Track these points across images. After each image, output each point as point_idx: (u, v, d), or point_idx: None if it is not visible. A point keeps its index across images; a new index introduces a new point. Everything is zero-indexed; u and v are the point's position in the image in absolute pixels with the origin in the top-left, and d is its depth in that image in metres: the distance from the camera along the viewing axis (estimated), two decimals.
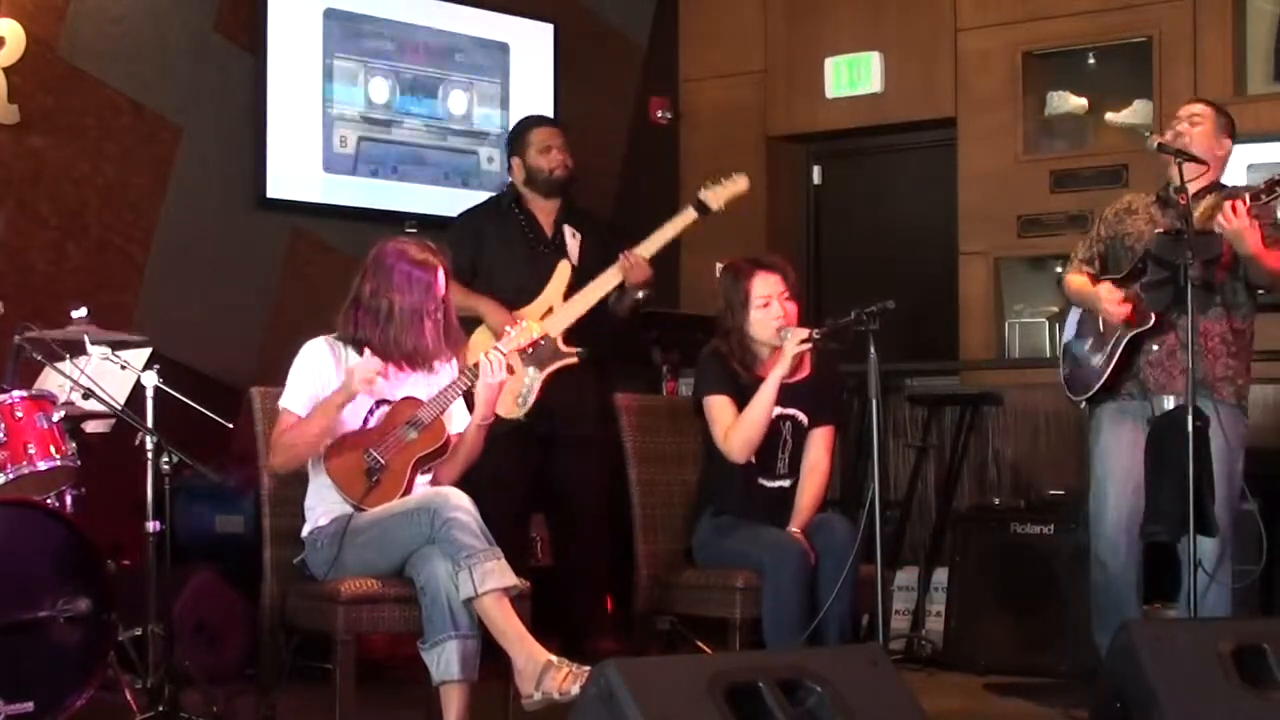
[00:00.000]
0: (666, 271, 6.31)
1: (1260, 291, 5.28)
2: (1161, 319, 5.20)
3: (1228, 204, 5.02)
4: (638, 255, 5.96)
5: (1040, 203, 7.44)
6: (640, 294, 6.05)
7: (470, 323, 5.81)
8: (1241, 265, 5.15)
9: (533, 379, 5.87)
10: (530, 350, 4.98)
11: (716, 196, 6.03)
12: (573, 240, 6.18)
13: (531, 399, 5.89)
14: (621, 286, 5.99)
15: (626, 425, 5.28)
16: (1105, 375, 5.29)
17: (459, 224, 6.34)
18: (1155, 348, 5.25)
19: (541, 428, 5.95)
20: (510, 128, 6.52)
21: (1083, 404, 5.42)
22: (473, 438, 4.80)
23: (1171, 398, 5.11)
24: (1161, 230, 5.23)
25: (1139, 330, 5.23)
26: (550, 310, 5.95)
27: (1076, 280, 5.44)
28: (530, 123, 6.40)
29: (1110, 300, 5.26)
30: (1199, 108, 5.36)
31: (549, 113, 7.66)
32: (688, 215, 6.03)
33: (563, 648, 4.63)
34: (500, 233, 6.16)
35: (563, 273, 6.02)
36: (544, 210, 6.22)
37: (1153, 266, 5.21)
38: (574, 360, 5.85)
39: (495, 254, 6.12)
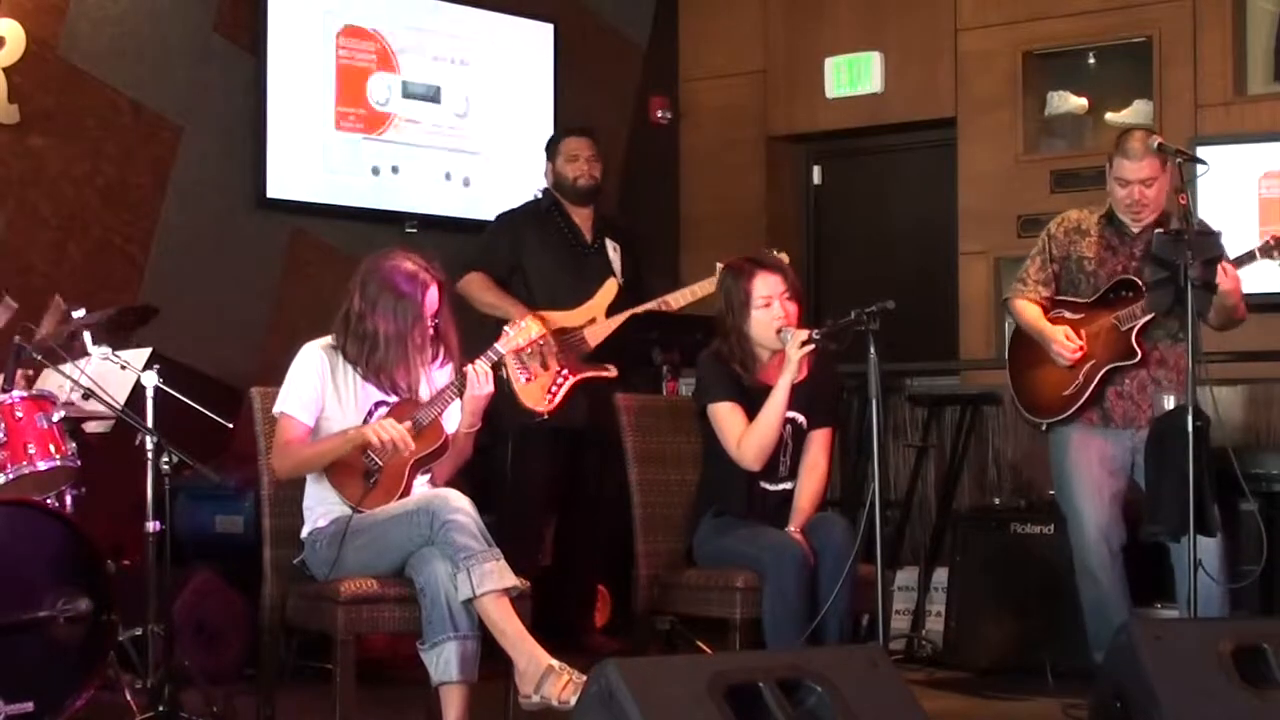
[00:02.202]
0: (667, 272, 6.33)
1: None
2: (1146, 354, 5.24)
3: (1220, 265, 5.04)
4: (670, 305, 6.17)
5: (1040, 203, 7.44)
6: None
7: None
8: (1210, 310, 5.20)
9: (563, 379, 6.03)
10: (530, 350, 5.02)
11: None
12: (614, 254, 6.38)
13: (559, 398, 6.02)
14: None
15: (626, 425, 5.27)
16: (1079, 404, 5.31)
17: (497, 225, 6.49)
18: (1126, 381, 5.29)
19: (571, 426, 6.12)
20: (550, 135, 6.73)
21: (1044, 426, 5.44)
22: (462, 443, 4.80)
23: (1170, 395, 5.13)
24: (1161, 230, 5.23)
25: (1120, 364, 5.26)
26: (593, 320, 6.15)
27: (1030, 310, 5.44)
28: (563, 131, 6.63)
29: (1064, 346, 5.29)
30: (1146, 169, 5.22)
31: (549, 112, 7.70)
32: (715, 281, 6.14)
33: (564, 645, 4.64)
34: (539, 235, 6.34)
35: (609, 289, 6.22)
36: (580, 216, 6.42)
37: (1153, 267, 5.21)
38: (609, 375, 6.06)
39: (535, 256, 6.30)
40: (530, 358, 5.91)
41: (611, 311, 6.19)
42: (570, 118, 7.67)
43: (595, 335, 6.13)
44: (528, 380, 5.95)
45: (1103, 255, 5.36)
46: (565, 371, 6.03)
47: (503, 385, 5.76)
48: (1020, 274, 5.54)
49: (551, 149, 6.50)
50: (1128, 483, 5.35)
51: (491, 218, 6.58)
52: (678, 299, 6.20)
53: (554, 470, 6.27)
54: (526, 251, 6.29)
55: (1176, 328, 5.16)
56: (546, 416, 6.01)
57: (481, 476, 5.92)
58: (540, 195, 6.51)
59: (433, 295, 4.72)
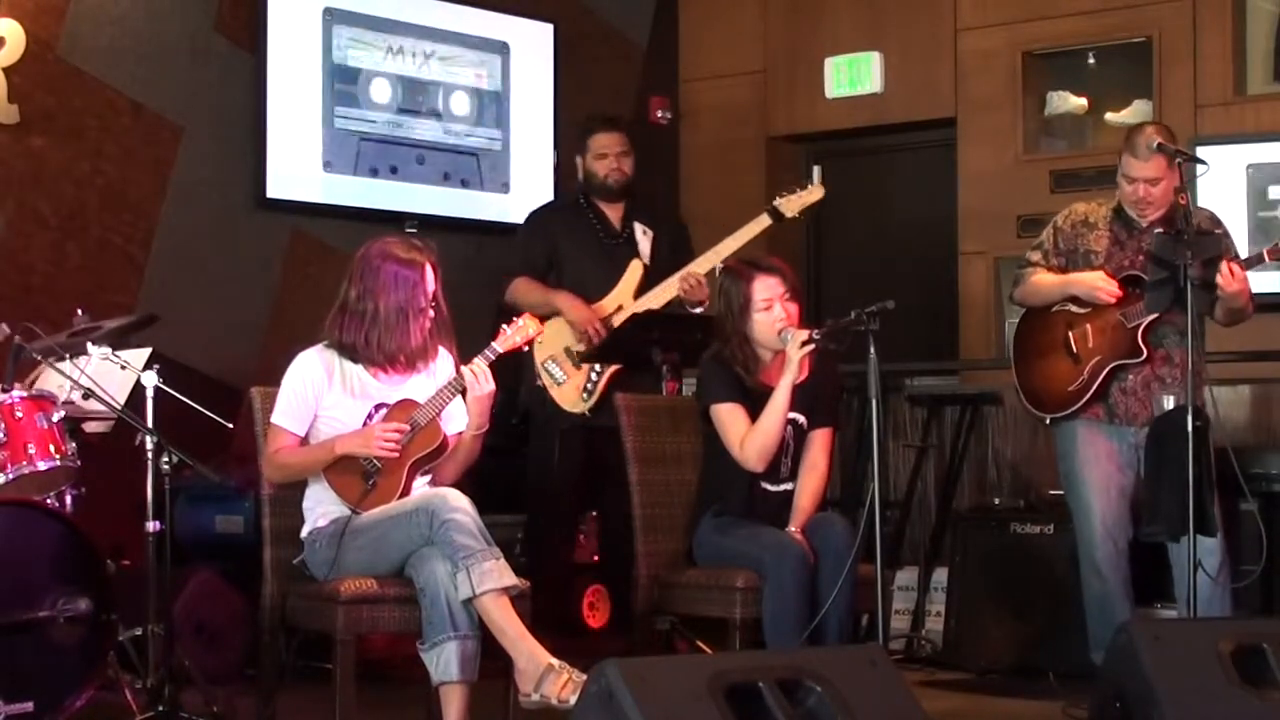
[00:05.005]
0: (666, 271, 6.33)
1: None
2: (1152, 352, 5.24)
3: (1225, 266, 5.07)
4: (697, 275, 6.01)
5: (1040, 203, 7.43)
6: (698, 309, 6.11)
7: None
8: (1217, 307, 5.22)
9: (598, 374, 6.00)
10: (530, 346, 5.00)
11: (791, 204, 6.04)
12: (644, 237, 6.27)
13: (596, 394, 5.99)
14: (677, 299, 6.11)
15: (626, 425, 5.27)
16: (1084, 400, 5.31)
17: (530, 222, 6.41)
18: (1130, 378, 5.29)
19: (605, 424, 6.03)
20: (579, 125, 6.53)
21: (1048, 420, 5.43)
22: (469, 445, 4.78)
23: (1170, 396, 5.14)
24: (1161, 230, 5.24)
25: (1125, 361, 5.26)
26: (620, 307, 6.07)
27: (1048, 275, 5.43)
28: (592, 126, 6.38)
29: (1106, 286, 5.26)
30: (1151, 168, 5.22)
31: (549, 112, 7.69)
32: (761, 223, 6.03)
33: (566, 645, 4.64)
34: (570, 228, 6.26)
35: (634, 271, 6.14)
36: (610, 209, 6.31)
37: (1153, 267, 5.22)
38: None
39: (566, 249, 6.21)
40: (563, 360, 5.96)
41: (642, 291, 6.10)
42: (570, 118, 7.68)
43: (622, 321, 6.04)
44: (561, 384, 5.97)
45: (1110, 249, 5.36)
46: (598, 367, 6.00)
47: (542, 394, 6.03)
48: (1022, 261, 5.55)
49: (580, 143, 6.34)
50: (1135, 479, 5.34)
51: (491, 219, 6.56)
52: (709, 261, 5.97)
53: (587, 467, 6.15)
54: (559, 247, 6.21)
55: (1184, 325, 5.13)
56: (588, 415, 5.98)
57: (511, 475, 5.97)
58: (578, 188, 6.40)
59: (430, 274, 4.70)
